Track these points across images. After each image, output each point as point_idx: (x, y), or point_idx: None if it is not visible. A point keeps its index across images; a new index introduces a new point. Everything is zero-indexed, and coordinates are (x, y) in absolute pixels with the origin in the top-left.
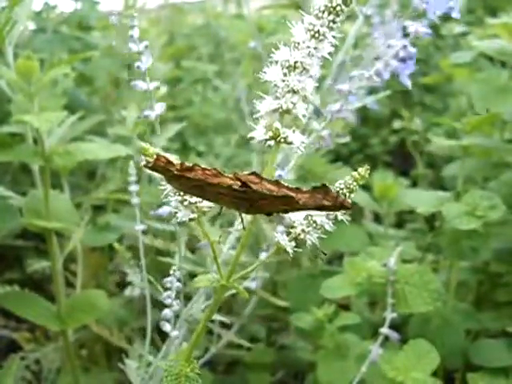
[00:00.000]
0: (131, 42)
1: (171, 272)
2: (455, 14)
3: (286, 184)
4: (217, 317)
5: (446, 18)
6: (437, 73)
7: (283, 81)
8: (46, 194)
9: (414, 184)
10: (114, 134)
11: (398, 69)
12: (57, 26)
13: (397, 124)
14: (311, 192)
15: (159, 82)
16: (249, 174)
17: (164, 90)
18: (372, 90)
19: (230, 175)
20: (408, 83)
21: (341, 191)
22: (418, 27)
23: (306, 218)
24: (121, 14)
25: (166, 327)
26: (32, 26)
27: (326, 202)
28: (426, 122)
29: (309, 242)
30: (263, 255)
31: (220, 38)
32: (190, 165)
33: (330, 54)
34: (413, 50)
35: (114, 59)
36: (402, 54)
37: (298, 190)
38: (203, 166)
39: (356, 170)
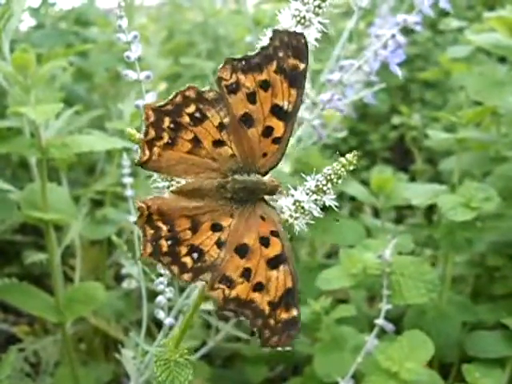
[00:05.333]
0: (120, 33)
1: None
2: (443, 4)
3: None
4: (211, 307)
5: (445, 13)
6: (436, 69)
7: None
8: (43, 187)
9: (413, 179)
10: (112, 128)
11: (387, 58)
12: (55, 22)
13: (396, 120)
14: (272, 52)
15: (150, 72)
16: (223, 67)
17: (164, 86)
18: (370, 85)
19: None
20: (398, 72)
21: (329, 177)
22: (407, 17)
23: (295, 203)
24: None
25: (160, 315)
26: (31, 22)
27: (292, 60)
28: (425, 117)
29: (297, 228)
30: None
31: (218, 34)
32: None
33: (325, 47)
34: (402, 39)
35: (113, 54)
36: (390, 43)
37: None
38: None
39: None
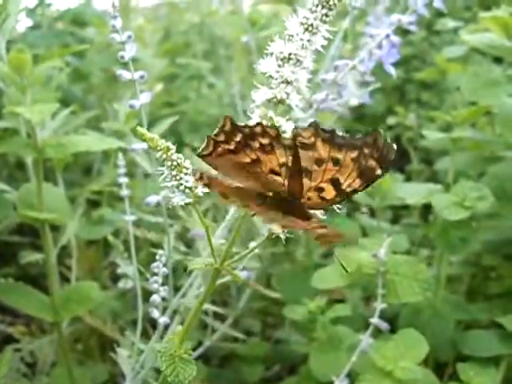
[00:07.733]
0: (114, 33)
1: (157, 257)
2: (437, 4)
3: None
4: (211, 308)
5: (441, 13)
6: (432, 69)
7: (278, 72)
8: (39, 187)
9: (410, 180)
10: (108, 128)
11: (382, 57)
12: (52, 22)
13: (391, 120)
14: (360, 145)
15: (144, 72)
16: (306, 128)
17: (160, 86)
18: (365, 85)
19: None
20: (392, 72)
21: None
22: (401, 17)
23: None
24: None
25: (155, 314)
26: (27, 22)
27: (372, 162)
28: (421, 118)
29: None
30: (254, 243)
31: (215, 35)
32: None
33: (322, 47)
34: (396, 38)
35: (109, 55)
36: (385, 43)
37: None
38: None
39: None
